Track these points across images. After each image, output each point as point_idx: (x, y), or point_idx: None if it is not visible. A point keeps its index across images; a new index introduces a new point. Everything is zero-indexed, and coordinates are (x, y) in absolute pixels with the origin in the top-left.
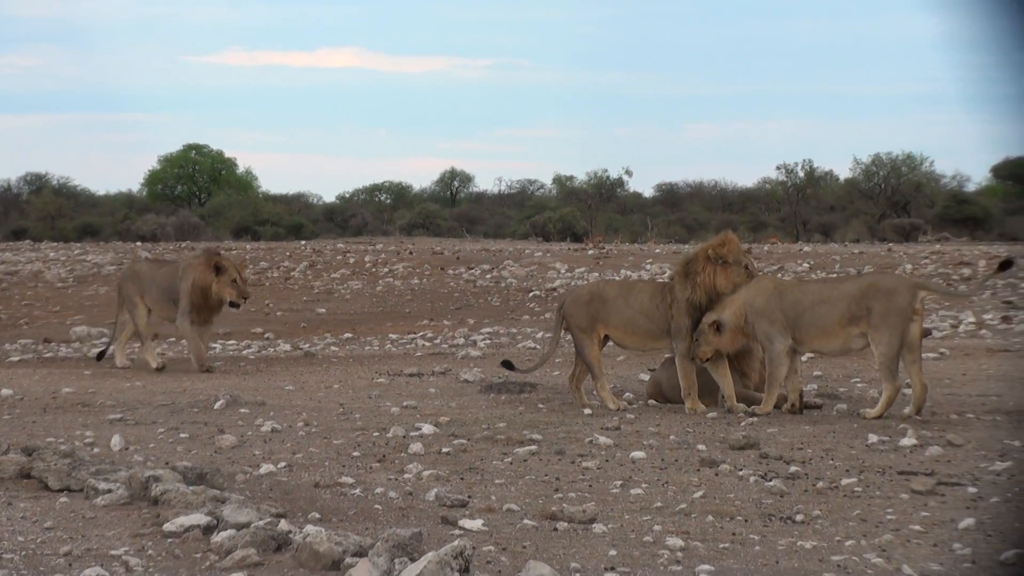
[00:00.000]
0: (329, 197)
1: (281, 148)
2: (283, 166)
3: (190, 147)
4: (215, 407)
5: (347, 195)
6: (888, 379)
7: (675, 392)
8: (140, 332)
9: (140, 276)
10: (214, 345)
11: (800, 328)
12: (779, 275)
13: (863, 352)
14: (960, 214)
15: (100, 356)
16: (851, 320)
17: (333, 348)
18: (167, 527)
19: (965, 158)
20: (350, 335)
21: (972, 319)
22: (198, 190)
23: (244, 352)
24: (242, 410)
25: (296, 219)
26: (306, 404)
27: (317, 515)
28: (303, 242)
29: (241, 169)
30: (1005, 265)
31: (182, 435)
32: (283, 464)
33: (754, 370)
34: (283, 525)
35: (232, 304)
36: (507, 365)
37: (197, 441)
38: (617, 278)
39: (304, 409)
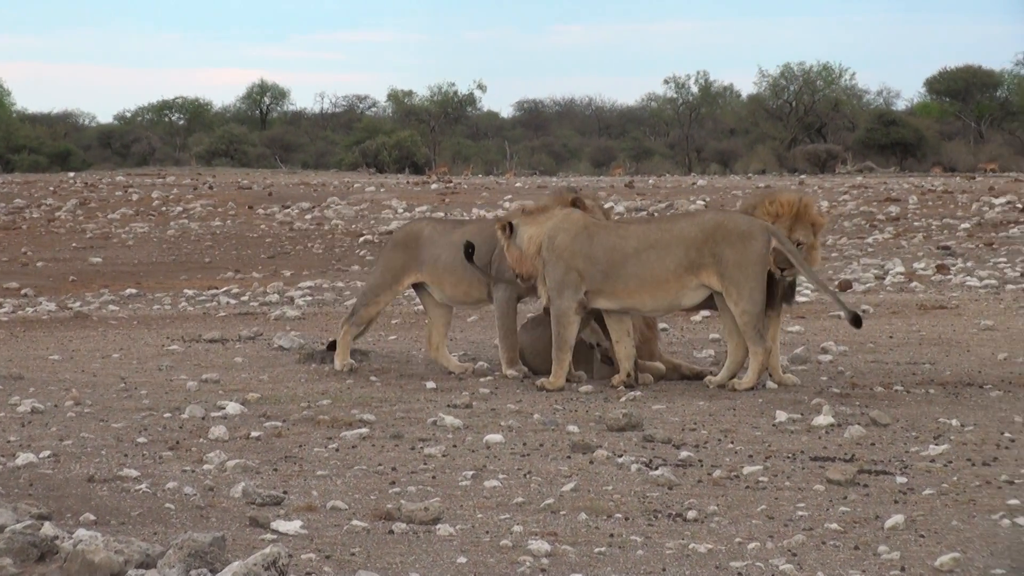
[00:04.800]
0: (105, 117)
1: (41, 55)
2: (44, 78)
3: None
4: None
5: (128, 115)
6: (755, 340)
7: (541, 359)
8: (363, 317)
9: (422, 241)
10: None
11: (619, 279)
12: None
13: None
14: (887, 139)
15: (333, 345)
16: (689, 268)
17: (112, 307)
18: None
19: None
20: (134, 291)
21: (901, 268)
22: None
23: None
24: None
25: (62, 145)
26: (77, 378)
27: (92, 517)
28: (71, 174)
29: None
30: (856, 322)
31: None
32: (47, 453)
33: (635, 329)
34: (47, 529)
35: None
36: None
37: None
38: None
39: (74, 384)
